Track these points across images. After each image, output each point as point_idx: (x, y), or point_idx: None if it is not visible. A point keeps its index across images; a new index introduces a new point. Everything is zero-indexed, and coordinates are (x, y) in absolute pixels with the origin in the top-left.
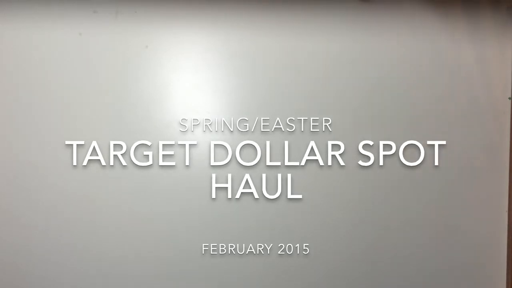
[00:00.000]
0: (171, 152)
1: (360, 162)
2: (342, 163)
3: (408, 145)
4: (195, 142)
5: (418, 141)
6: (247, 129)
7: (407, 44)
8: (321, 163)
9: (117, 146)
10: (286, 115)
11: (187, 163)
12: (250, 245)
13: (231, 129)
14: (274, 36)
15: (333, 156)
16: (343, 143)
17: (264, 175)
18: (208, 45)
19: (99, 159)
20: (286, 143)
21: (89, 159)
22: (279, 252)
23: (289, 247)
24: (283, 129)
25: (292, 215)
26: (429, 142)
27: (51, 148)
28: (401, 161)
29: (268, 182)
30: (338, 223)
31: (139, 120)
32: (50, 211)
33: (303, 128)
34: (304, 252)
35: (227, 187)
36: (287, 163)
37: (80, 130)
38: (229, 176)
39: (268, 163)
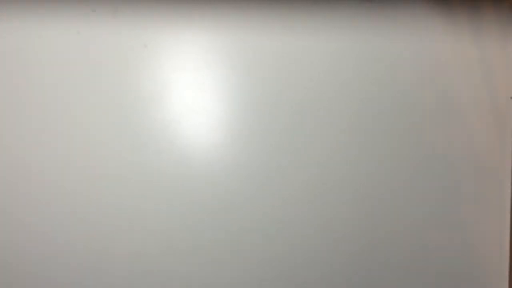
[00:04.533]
0: (170, 152)
1: (360, 162)
2: (341, 163)
3: (409, 145)
4: (194, 142)
5: (418, 141)
6: (247, 129)
7: (407, 43)
8: (322, 163)
9: (116, 146)
10: (286, 114)
11: (186, 163)
12: (249, 245)
13: (231, 129)
14: (275, 35)
15: (333, 156)
16: (343, 142)
17: (263, 175)
18: (208, 44)
19: (96, 158)
20: (286, 143)
21: (86, 158)
22: (279, 252)
23: (289, 247)
24: (283, 129)
25: (291, 215)
26: (430, 142)
27: (47, 148)
28: (401, 161)
29: (268, 182)
30: (338, 223)
31: (138, 119)
32: (49, 211)
33: (304, 128)
34: (303, 252)
35: (226, 187)
36: (288, 162)
37: (78, 130)
38: (229, 176)
39: (268, 162)
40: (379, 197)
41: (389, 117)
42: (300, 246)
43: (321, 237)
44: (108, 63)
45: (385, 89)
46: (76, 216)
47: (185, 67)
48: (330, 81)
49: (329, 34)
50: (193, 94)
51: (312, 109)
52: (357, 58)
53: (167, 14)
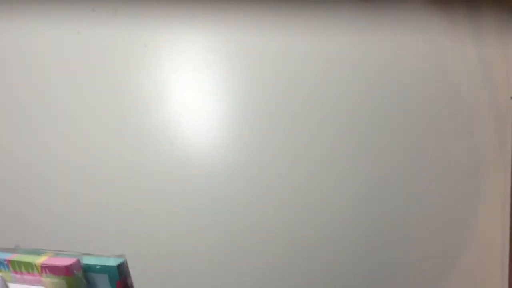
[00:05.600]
0: (170, 152)
1: (360, 162)
2: (341, 163)
3: (409, 145)
4: (194, 142)
5: (419, 141)
6: (247, 129)
7: (408, 44)
8: (321, 162)
9: (116, 145)
10: (286, 114)
11: (185, 162)
12: (249, 244)
13: (231, 129)
14: (275, 35)
15: (333, 156)
16: (343, 142)
17: (263, 175)
18: (208, 44)
19: (97, 158)
20: (286, 142)
21: (87, 158)
22: (279, 251)
23: (289, 247)
24: (282, 129)
25: (292, 214)
26: (431, 142)
27: (47, 148)
28: (401, 162)
29: (267, 181)
30: (338, 223)
31: (138, 118)
32: (49, 211)
33: (303, 128)
34: (303, 252)
35: (226, 186)
36: (287, 162)
37: (78, 128)
38: (229, 175)
39: (268, 162)
40: (379, 197)
41: (389, 117)
42: (300, 246)
43: (321, 237)
44: (108, 63)
45: (385, 89)
46: (76, 216)
47: (185, 67)
48: (330, 81)
49: (329, 34)
50: (193, 94)
51: (312, 109)
52: (357, 58)
53: (167, 14)
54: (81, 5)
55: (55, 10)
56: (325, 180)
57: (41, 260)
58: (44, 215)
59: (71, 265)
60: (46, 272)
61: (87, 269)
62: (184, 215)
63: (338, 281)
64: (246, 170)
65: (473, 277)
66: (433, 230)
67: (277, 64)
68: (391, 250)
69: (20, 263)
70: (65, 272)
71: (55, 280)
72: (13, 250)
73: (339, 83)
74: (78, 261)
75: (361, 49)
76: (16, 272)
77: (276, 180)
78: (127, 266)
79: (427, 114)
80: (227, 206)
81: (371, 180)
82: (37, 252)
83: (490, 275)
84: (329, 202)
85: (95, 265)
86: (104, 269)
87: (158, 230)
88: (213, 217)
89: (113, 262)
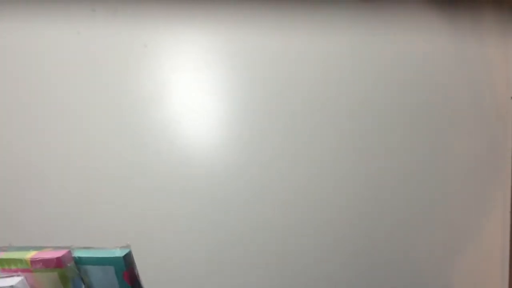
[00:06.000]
0: (170, 152)
1: (360, 162)
2: (341, 163)
3: (409, 145)
4: (194, 142)
5: (419, 141)
6: (247, 129)
7: (407, 43)
8: (321, 162)
9: (116, 145)
10: (286, 114)
11: (185, 162)
12: (249, 244)
13: (231, 129)
14: (275, 35)
15: (333, 156)
16: (343, 142)
17: (263, 175)
18: (208, 44)
19: (97, 158)
20: (286, 142)
21: (87, 158)
22: (279, 252)
23: (288, 247)
24: (282, 129)
25: (291, 214)
26: (430, 142)
27: (47, 148)
28: (401, 162)
29: (267, 181)
30: (338, 223)
31: (138, 118)
32: (49, 211)
33: (303, 128)
34: (304, 252)
35: (226, 186)
36: (287, 162)
37: (78, 128)
38: (229, 175)
39: (268, 162)
40: (379, 197)
41: (389, 117)
42: (300, 246)
43: (321, 237)
44: (108, 63)
45: (385, 89)
46: (76, 216)
47: (185, 67)
48: (330, 81)
49: (329, 34)
50: (193, 94)
51: (311, 109)
52: (357, 58)
53: (167, 14)
54: (81, 5)
55: (55, 10)
56: (325, 180)
57: (30, 254)
58: (43, 215)
59: (62, 256)
60: (36, 266)
61: (93, 262)
62: (184, 215)
63: (338, 281)
64: (246, 170)
65: (473, 277)
66: (433, 230)
67: (277, 64)
68: (391, 250)
69: (9, 261)
70: (56, 264)
71: (47, 273)
72: (4, 249)
73: (339, 83)
74: (69, 252)
75: (361, 49)
76: (4, 270)
77: (276, 180)
78: (133, 257)
79: (427, 114)
80: (227, 206)
81: (371, 180)
82: (27, 248)
83: (490, 275)
84: (329, 202)
85: (101, 257)
86: (109, 261)
87: (158, 230)
88: (213, 217)
89: (119, 253)
